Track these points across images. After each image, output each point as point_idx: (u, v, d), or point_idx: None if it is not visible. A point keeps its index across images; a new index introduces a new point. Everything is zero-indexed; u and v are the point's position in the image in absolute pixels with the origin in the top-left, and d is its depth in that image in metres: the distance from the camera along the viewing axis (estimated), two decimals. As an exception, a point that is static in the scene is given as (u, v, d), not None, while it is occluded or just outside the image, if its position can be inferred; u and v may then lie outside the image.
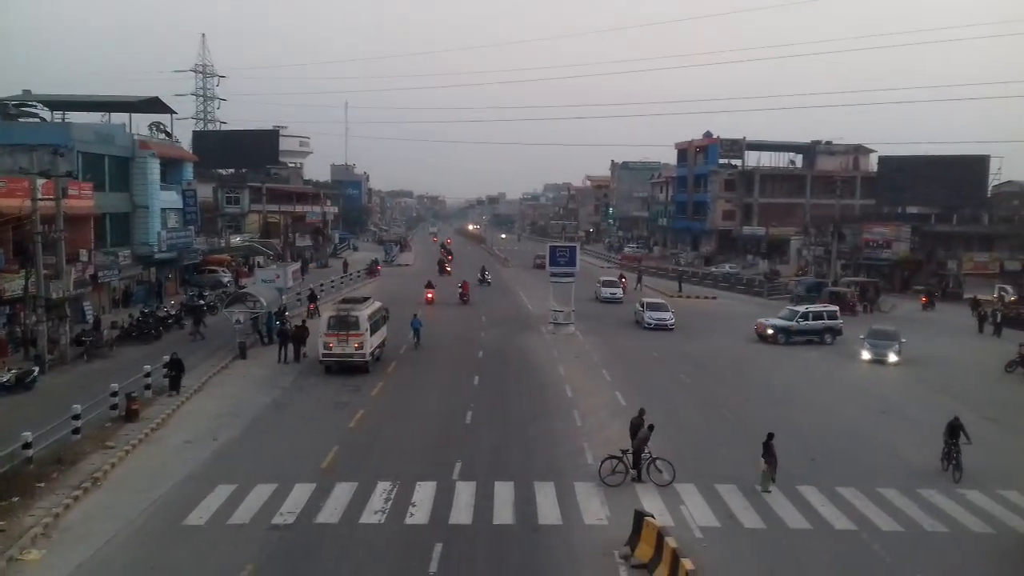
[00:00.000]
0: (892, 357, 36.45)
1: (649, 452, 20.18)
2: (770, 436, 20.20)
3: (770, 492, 19.54)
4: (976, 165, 71.75)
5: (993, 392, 31.68)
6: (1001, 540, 17.30)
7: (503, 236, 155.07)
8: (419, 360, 34.92)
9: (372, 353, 32.30)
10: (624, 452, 20.11)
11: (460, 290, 55.41)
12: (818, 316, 42.49)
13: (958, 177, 71.13)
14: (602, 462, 20.02)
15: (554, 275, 44.44)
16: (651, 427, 20.55)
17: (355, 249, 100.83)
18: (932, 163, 72.38)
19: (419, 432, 24.18)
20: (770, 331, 41.69)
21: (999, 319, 46.02)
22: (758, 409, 27.90)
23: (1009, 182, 74.06)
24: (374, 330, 32.81)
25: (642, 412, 21.61)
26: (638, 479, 19.90)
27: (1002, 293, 55.90)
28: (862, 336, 38.26)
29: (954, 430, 21.39)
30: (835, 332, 42.13)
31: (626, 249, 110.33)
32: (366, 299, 35.97)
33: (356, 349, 31.32)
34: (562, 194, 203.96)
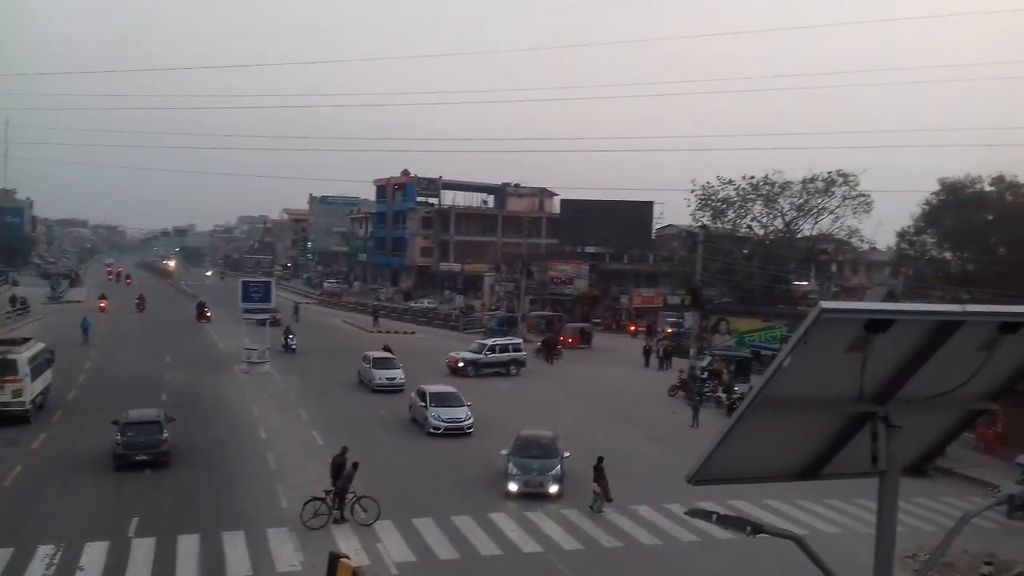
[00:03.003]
0: (552, 487, 22.25)
1: (354, 491, 19.85)
2: (600, 459, 21.62)
3: (603, 512, 20.90)
4: (642, 210, 79.80)
5: (657, 415, 35.11)
6: (667, 549, 19.10)
7: (208, 274, 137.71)
8: (90, 406, 31.54)
9: (33, 401, 28.67)
10: (327, 492, 19.61)
11: (136, 303, 69.23)
12: (504, 349, 44.62)
13: (628, 220, 78.65)
14: (304, 504, 19.33)
15: (247, 312, 42.54)
16: (355, 465, 20.25)
17: (15, 284, 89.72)
18: (606, 207, 79.38)
19: (89, 487, 21.83)
20: (461, 364, 43.13)
21: (662, 352, 49.08)
22: (455, 441, 28.57)
23: (670, 225, 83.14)
24: (36, 374, 29.13)
25: (344, 450, 21.27)
26: (342, 519, 19.48)
27: (667, 327, 61.96)
28: (504, 451, 23.54)
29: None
30: (519, 364, 44.28)
31: (326, 284, 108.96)
32: (26, 340, 32.05)
33: (13, 397, 27.57)
34: (258, 227, 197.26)
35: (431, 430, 29.04)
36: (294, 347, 47.82)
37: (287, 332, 49.26)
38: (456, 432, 29.11)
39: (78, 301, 77.20)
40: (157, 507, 20.36)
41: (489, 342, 45.85)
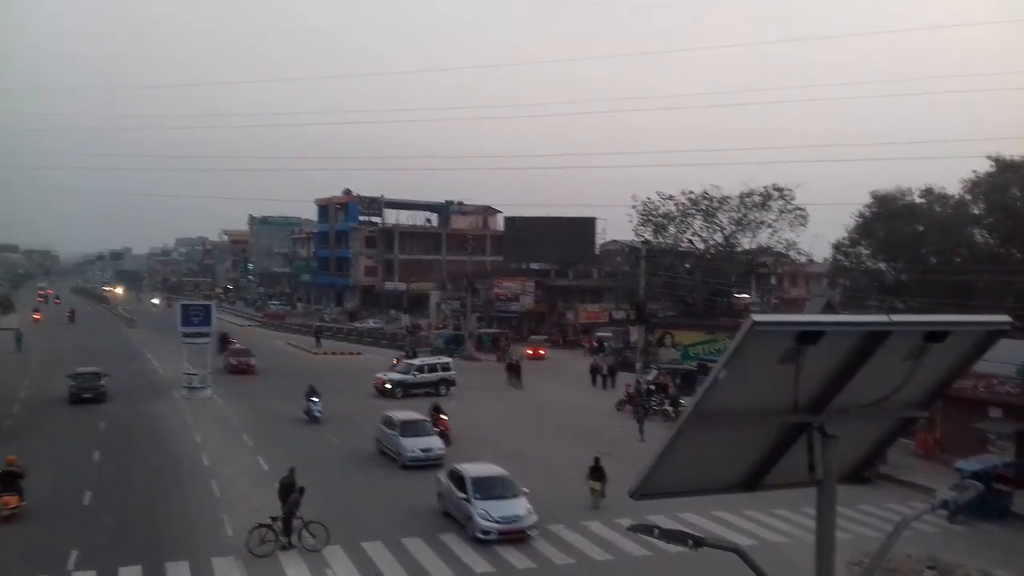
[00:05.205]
0: None
1: (301, 517, 19.49)
2: (597, 459, 23.61)
3: (600, 508, 22.64)
4: (586, 226, 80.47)
5: (606, 430, 35.22)
6: (619, 565, 19.09)
7: (155, 301, 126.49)
8: (25, 436, 30.64)
9: None
10: (274, 519, 19.21)
11: (68, 314, 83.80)
12: (433, 368, 44.21)
13: (571, 236, 79.19)
14: (250, 532, 18.93)
15: (186, 336, 41.60)
16: (302, 490, 19.88)
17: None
18: (550, 223, 79.76)
19: (23, 519, 21.07)
20: (388, 385, 42.58)
21: (606, 371, 48.10)
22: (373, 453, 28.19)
23: (613, 241, 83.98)
24: None
25: (292, 471, 20.89)
26: (289, 546, 19.10)
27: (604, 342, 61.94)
28: None
29: None
30: (449, 383, 43.62)
31: (270, 305, 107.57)
32: None
33: None
34: (197, 249, 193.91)
35: (479, 534, 20.20)
36: (318, 414, 34.86)
37: (310, 393, 35.72)
38: (515, 536, 20.41)
39: (12, 328, 75.01)
40: (98, 539, 19.75)
41: (417, 362, 45.35)
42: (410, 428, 28.63)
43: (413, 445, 27.81)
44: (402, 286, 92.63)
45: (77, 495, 23.35)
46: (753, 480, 4.06)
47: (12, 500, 20.99)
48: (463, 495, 21.13)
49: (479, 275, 77.11)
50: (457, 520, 21.40)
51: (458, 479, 21.78)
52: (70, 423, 33.59)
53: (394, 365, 47.71)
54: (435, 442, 28.49)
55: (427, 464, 26.95)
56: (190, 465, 27.39)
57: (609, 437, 33.35)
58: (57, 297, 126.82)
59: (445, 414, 32.15)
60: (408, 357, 50.49)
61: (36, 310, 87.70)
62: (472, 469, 22.35)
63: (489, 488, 21.26)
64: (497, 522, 20.29)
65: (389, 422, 29.30)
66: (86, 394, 37.23)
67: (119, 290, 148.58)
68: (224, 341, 55.81)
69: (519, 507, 20.86)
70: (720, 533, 20.53)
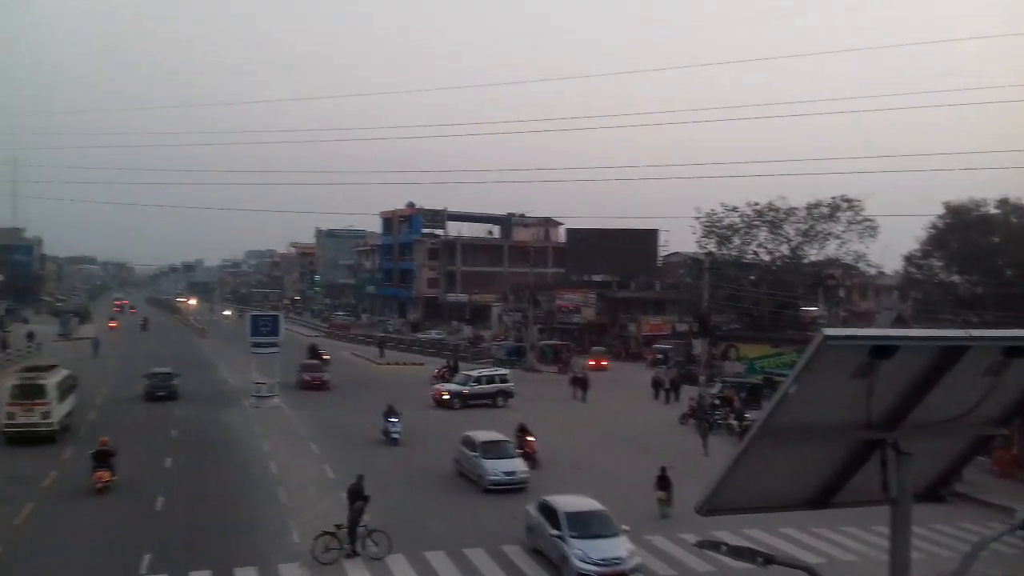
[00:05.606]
0: None
1: (365, 525, 19.70)
2: (663, 469, 23.54)
3: (668, 517, 22.65)
4: (648, 238, 79.96)
5: (669, 444, 34.81)
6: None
7: (226, 313, 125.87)
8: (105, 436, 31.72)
9: (60, 423, 30.90)
10: (338, 527, 19.46)
11: (141, 323, 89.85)
12: (491, 380, 44.17)
13: (633, 248, 78.79)
14: (315, 539, 19.20)
15: (256, 346, 42.49)
16: (366, 498, 20.13)
17: (25, 321, 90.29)
18: (611, 235, 79.40)
19: (99, 524, 21.79)
20: (446, 396, 42.60)
21: (667, 386, 47.04)
22: (450, 474, 28.21)
23: (676, 253, 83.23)
24: (62, 398, 31.62)
25: (360, 478, 21.13)
26: (353, 554, 19.33)
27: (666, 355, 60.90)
28: None
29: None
30: (507, 395, 43.42)
31: (336, 316, 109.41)
32: (53, 367, 34.61)
33: (42, 418, 29.79)
34: (265, 261, 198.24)
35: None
36: (396, 436, 32.48)
37: (389, 413, 33.27)
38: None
39: (89, 338, 77.72)
40: (170, 544, 20.27)
41: (475, 373, 45.36)
42: (492, 449, 26.71)
43: (495, 468, 25.92)
44: (464, 297, 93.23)
45: (150, 500, 24.00)
46: (824, 497, 3.98)
47: (105, 475, 24.18)
48: (556, 532, 18.91)
49: (541, 287, 77.14)
50: (548, 558, 19.33)
51: (550, 513, 19.55)
52: (143, 430, 34.45)
53: (435, 376, 48.35)
54: (518, 464, 26.66)
55: (510, 488, 25.56)
56: (258, 473, 27.95)
57: (672, 451, 32.89)
58: (132, 307, 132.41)
59: (532, 435, 30.13)
60: (449, 367, 50.95)
61: (112, 319, 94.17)
62: (565, 503, 19.94)
63: (586, 525, 19.06)
64: (596, 564, 18.02)
65: (469, 443, 27.39)
66: (160, 392, 41.13)
67: (192, 301, 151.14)
68: (314, 353, 55.91)
69: (620, 547, 18.63)
70: (787, 550, 20.11)
